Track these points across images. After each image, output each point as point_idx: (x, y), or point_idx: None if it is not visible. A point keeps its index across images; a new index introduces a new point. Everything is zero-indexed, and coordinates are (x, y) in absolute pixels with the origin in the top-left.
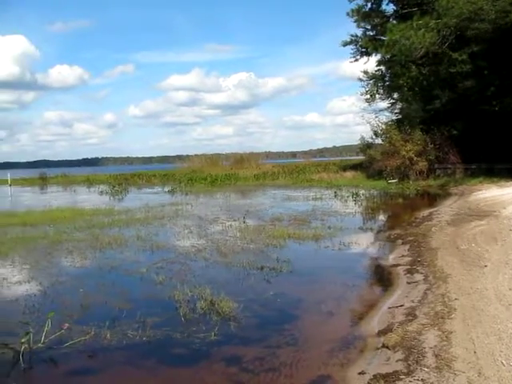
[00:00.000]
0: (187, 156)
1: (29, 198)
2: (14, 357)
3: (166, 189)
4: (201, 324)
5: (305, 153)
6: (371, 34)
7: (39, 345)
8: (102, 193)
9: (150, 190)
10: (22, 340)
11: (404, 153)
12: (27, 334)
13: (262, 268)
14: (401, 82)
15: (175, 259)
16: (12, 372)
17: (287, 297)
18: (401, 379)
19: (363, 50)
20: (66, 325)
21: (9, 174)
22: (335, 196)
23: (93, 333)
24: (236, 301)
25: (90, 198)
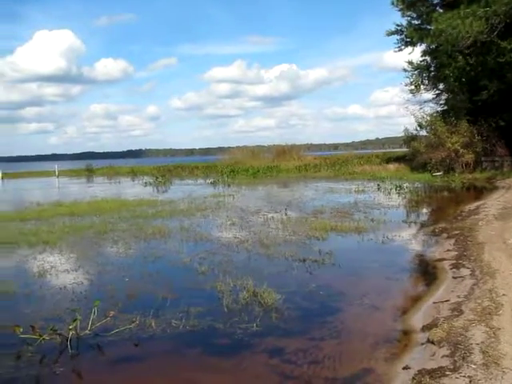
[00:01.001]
0: (229, 148)
1: (76, 189)
2: (62, 343)
3: (209, 180)
4: (243, 314)
5: (347, 145)
6: (416, 23)
7: (86, 332)
8: (145, 184)
9: (193, 182)
10: (70, 327)
11: (449, 145)
12: (75, 320)
13: (304, 260)
14: (447, 72)
15: (218, 250)
16: (60, 357)
17: (330, 289)
18: (447, 375)
19: (408, 39)
20: (112, 313)
21: (56, 166)
22: (378, 188)
23: (138, 321)
24: (278, 292)
25: (134, 190)
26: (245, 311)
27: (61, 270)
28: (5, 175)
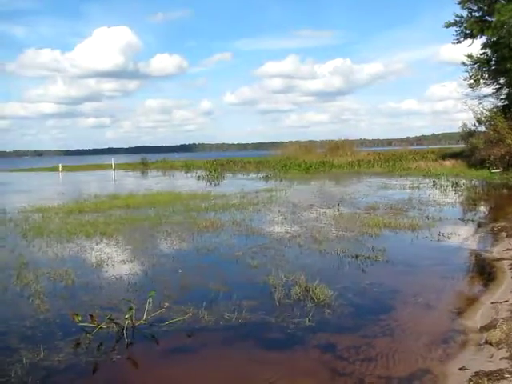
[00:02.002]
0: (282, 143)
1: (131, 182)
2: (118, 331)
3: (261, 175)
4: (295, 309)
5: (401, 140)
6: (477, 15)
7: (141, 321)
8: (198, 178)
9: (245, 176)
10: (126, 316)
11: (510, 141)
12: (130, 310)
13: (356, 256)
14: (508, 65)
15: (270, 244)
16: (117, 346)
17: (383, 286)
18: (505, 378)
19: (467, 32)
20: (166, 304)
21: (113, 160)
22: (434, 185)
23: (191, 313)
24: (331, 288)
25: (187, 183)
26: (297, 306)
27: (117, 260)
28: (64, 168)
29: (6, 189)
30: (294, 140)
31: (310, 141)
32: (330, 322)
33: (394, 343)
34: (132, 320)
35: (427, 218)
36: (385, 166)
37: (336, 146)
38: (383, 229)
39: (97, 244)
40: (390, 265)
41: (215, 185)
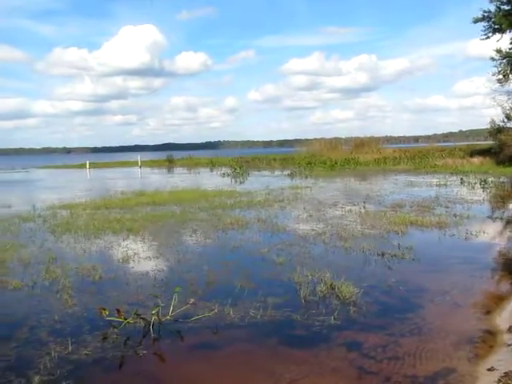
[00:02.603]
0: (306, 140)
1: (157, 179)
2: (145, 327)
3: (286, 172)
4: (321, 307)
5: (428, 137)
6: (506, 8)
7: (167, 317)
8: (223, 175)
9: (270, 173)
10: (153, 311)
11: None
12: (157, 306)
13: (382, 254)
14: None
15: (295, 242)
16: (143, 340)
17: (410, 285)
18: None
19: (496, 26)
20: (192, 300)
21: (139, 157)
22: (461, 183)
23: (216, 309)
24: (356, 286)
25: (212, 180)
26: (322, 304)
27: (143, 256)
28: (91, 165)
29: (35, 185)
30: (318, 137)
31: (335, 138)
32: (356, 320)
33: (421, 342)
34: (158, 315)
35: (454, 215)
36: (411, 163)
37: (361, 143)
38: (410, 226)
39: (123, 240)
40: (417, 263)
41: (240, 182)
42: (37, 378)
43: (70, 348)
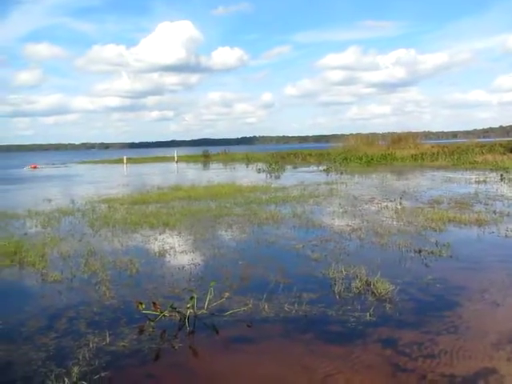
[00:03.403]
0: (342, 135)
1: (193, 174)
2: (180, 320)
3: (321, 168)
4: (356, 303)
5: (467, 133)
6: None
7: (203, 311)
8: (259, 170)
9: (306, 169)
10: (188, 305)
11: None
12: (192, 299)
13: (419, 251)
14: None
15: (330, 237)
16: (179, 334)
17: (447, 282)
18: None
19: None
20: (227, 294)
21: (175, 152)
22: (501, 179)
23: (251, 304)
24: (392, 283)
25: (248, 175)
26: (357, 300)
27: (179, 250)
28: (128, 160)
29: (74, 180)
30: (354, 132)
31: (371, 133)
32: (392, 317)
33: (459, 341)
34: (194, 309)
35: (494, 212)
36: (449, 159)
37: (398, 139)
38: (447, 223)
39: (160, 234)
40: (455, 260)
41: (276, 177)
42: (76, 369)
43: (108, 339)
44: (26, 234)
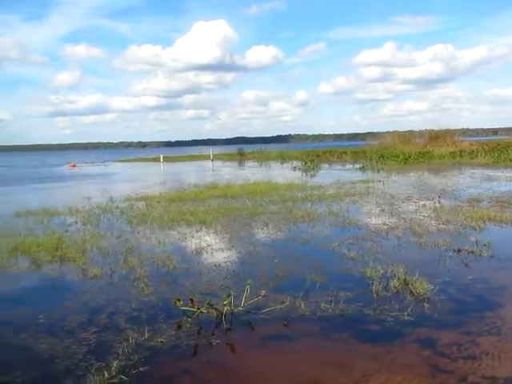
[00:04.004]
0: (378, 133)
1: (228, 172)
2: (217, 317)
3: (357, 166)
4: (393, 302)
5: (508, 129)
6: None
7: (239, 308)
8: (294, 168)
9: (341, 167)
10: (225, 302)
11: None
12: (229, 297)
13: (458, 250)
14: None
15: (366, 236)
16: (216, 330)
17: (488, 283)
18: None
19: None
20: (263, 292)
21: (211, 150)
22: None
23: (288, 302)
24: (431, 282)
25: (283, 173)
26: (395, 299)
27: (215, 248)
28: (165, 159)
29: (113, 178)
30: (391, 130)
31: (408, 130)
32: (431, 317)
33: (501, 342)
34: (230, 306)
35: None
36: (489, 157)
37: (436, 136)
38: (488, 222)
39: (196, 232)
40: (496, 260)
41: (311, 175)
42: (115, 363)
43: (147, 335)
44: (66, 230)
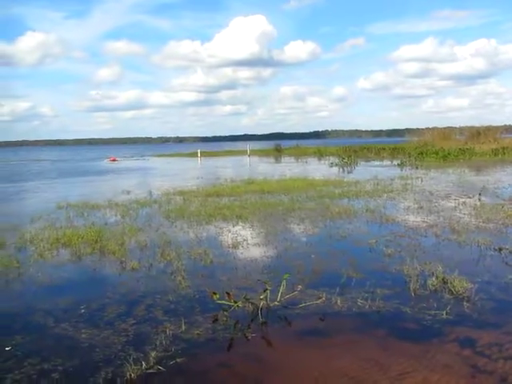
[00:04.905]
0: (417, 129)
1: (265, 168)
2: (253, 311)
3: (395, 162)
4: (431, 301)
5: None
6: None
7: (275, 303)
8: (331, 164)
9: (379, 163)
10: (261, 297)
11: None
12: (265, 291)
13: (499, 249)
14: None
15: (404, 233)
16: (252, 324)
17: None
18: None
19: None
20: (300, 287)
21: (248, 146)
22: None
23: (324, 297)
24: (471, 281)
25: (320, 169)
26: (433, 298)
27: (251, 243)
28: (202, 154)
29: (151, 173)
30: (430, 126)
31: (448, 127)
32: (470, 316)
33: None
34: (266, 300)
35: None
36: None
37: (477, 133)
38: None
39: (233, 226)
40: None
41: (348, 172)
42: (153, 354)
43: (184, 327)
44: (106, 223)
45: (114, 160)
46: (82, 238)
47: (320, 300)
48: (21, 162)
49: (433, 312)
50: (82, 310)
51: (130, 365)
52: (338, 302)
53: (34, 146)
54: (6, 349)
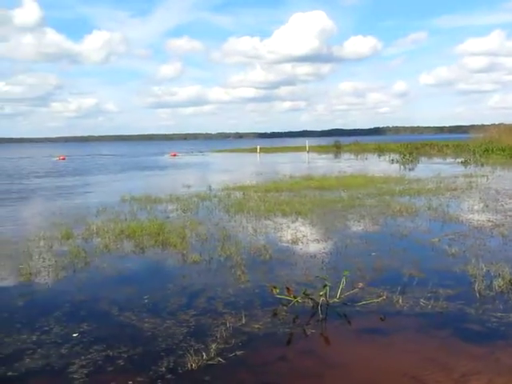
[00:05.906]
0: (483, 125)
1: (324, 164)
2: (313, 307)
3: (459, 160)
4: (498, 302)
5: None
6: None
7: (335, 300)
8: (392, 161)
9: (442, 161)
10: (321, 293)
11: None
12: (325, 287)
13: None
14: None
15: (468, 233)
16: (311, 320)
17: None
18: None
19: None
20: (361, 284)
21: (307, 142)
22: None
23: (385, 296)
24: None
25: (380, 166)
26: (500, 299)
27: (311, 239)
28: (261, 150)
29: (211, 168)
30: (496, 122)
31: None
32: None
33: None
34: (326, 297)
35: None
36: None
37: None
38: None
39: (292, 222)
40: None
41: (409, 169)
42: (214, 345)
43: (244, 320)
44: (168, 217)
45: (174, 155)
46: (145, 230)
47: (381, 298)
48: (87, 156)
49: (499, 314)
50: (145, 300)
51: (191, 355)
52: (400, 301)
53: (99, 142)
54: (74, 335)
